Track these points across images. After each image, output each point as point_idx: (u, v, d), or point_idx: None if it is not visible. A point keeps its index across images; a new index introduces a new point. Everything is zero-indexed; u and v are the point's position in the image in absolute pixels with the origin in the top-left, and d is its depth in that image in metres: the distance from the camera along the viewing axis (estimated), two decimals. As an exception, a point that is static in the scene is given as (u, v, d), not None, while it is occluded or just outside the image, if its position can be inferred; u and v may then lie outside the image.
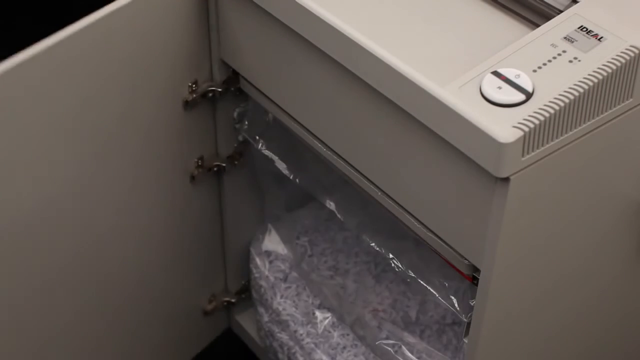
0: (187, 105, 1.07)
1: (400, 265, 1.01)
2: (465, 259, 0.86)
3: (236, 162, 1.18)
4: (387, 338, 1.13)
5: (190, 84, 1.07)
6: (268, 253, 1.25)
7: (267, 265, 1.25)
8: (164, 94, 1.05)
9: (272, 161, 1.13)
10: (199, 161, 1.15)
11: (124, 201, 1.06)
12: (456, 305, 0.94)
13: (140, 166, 1.06)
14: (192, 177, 1.14)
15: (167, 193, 1.13)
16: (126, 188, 1.06)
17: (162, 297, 1.23)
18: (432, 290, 0.96)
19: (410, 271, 1.00)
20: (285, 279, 1.24)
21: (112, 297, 1.16)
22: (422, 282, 0.97)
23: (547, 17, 0.83)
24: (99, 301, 1.14)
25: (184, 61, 1.05)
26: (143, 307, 1.21)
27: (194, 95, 1.08)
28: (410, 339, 1.12)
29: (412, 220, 0.91)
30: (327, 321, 1.21)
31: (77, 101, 0.94)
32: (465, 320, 0.91)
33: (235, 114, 1.13)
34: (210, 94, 1.10)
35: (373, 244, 1.05)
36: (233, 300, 1.32)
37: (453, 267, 0.88)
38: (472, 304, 0.88)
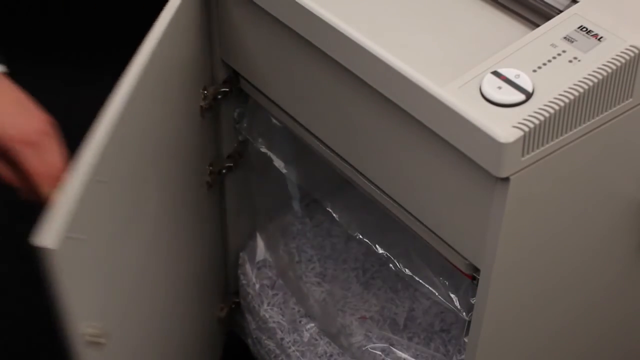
0: (204, 111, 1.04)
1: (398, 264, 1.00)
2: (465, 259, 0.86)
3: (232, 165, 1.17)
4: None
5: (201, 90, 1.03)
6: (256, 260, 1.25)
7: (255, 272, 1.24)
8: (182, 103, 1.00)
9: (270, 160, 1.12)
10: (210, 167, 1.11)
11: (153, 221, 0.98)
12: (457, 303, 0.93)
13: (167, 182, 0.99)
14: (209, 185, 1.11)
15: (191, 203, 1.08)
16: (153, 209, 0.97)
17: (182, 309, 1.12)
18: (431, 289, 0.95)
19: (407, 270, 0.99)
20: (272, 286, 1.24)
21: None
22: (421, 281, 0.97)
23: (547, 17, 0.83)
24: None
25: (193, 65, 1.01)
26: (166, 319, 1.08)
27: (207, 100, 1.04)
28: (399, 344, 1.12)
29: (412, 218, 0.91)
30: (313, 329, 1.20)
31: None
32: (466, 318, 0.91)
33: (235, 114, 1.11)
34: (220, 96, 1.07)
35: (375, 245, 1.03)
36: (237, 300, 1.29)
37: (453, 265, 0.88)
38: (472, 302, 0.88)
